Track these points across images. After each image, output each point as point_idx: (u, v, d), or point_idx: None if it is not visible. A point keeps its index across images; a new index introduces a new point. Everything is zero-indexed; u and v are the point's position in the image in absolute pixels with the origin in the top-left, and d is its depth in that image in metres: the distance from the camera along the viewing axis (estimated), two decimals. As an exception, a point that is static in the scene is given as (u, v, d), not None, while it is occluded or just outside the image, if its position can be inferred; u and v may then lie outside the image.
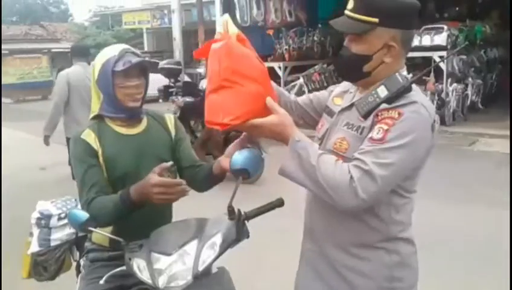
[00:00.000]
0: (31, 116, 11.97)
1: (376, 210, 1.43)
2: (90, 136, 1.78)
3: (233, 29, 1.49)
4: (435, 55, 9.57)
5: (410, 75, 1.66)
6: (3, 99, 18.50)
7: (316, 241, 1.60)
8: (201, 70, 11.31)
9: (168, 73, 9.53)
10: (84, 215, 1.66)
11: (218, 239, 1.55)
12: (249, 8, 12.07)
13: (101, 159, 1.76)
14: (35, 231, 2.25)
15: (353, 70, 1.47)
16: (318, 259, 1.59)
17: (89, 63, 4.88)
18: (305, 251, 1.67)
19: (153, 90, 7.96)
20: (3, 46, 20.12)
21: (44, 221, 2.22)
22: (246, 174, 1.54)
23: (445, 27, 9.93)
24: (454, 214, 4.93)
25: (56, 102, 5.11)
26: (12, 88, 18.66)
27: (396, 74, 1.37)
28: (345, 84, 1.64)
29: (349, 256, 1.50)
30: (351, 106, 1.49)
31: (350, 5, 1.44)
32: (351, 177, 1.28)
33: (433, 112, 1.40)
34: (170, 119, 1.99)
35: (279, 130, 1.40)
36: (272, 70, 11.96)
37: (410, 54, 9.51)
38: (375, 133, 1.33)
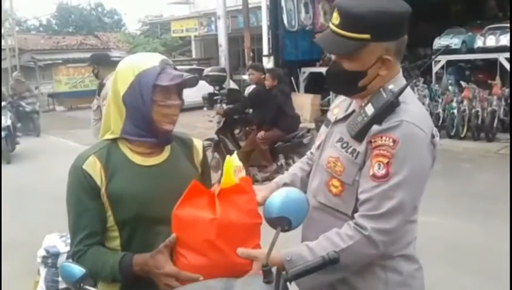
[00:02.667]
0: (85, 124, 12.17)
1: None
2: (94, 167, 1.41)
3: (237, 165, 1.39)
4: (501, 57, 8.78)
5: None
6: (56, 108, 19.13)
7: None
8: (246, 76, 10.99)
9: (213, 80, 9.28)
10: (79, 270, 1.31)
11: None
12: (296, 11, 11.74)
13: (104, 196, 1.40)
14: (42, 271, 1.93)
15: (347, 86, 1.41)
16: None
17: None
18: None
19: (197, 98, 7.74)
20: (58, 56, 20.85)
21: (51, 260, 1.92)
22: (287, 224, 1.13)
23: (512, 26, 9.08)
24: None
25: None
26: (65, 96, 19.23)
27: (381, 88, 1.33)
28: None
29: None
30: (344, 118, 1.44)
31: (336, 20, 1.34)
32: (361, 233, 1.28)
33: (429, 127, 1.33)
34: (198, 146, 1.62)
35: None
36: (320, 76, 11.51)
37: (473, 56, 8.96)
38: (377, 169, 1.29)
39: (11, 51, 18.71)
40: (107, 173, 1.41)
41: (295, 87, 11.91)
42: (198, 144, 1.61)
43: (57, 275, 1.90)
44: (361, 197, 1.32)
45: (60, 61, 20.44)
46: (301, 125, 6.58)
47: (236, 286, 1.24)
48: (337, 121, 1.49)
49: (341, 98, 1.58)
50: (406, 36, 1.37)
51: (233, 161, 1.38)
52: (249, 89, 9.97)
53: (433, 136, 1.34)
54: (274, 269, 1.19)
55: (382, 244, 1.30)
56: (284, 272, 1.22)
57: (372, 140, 1.31)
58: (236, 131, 6.80)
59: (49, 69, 20.09)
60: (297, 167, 1.69)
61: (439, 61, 9.59)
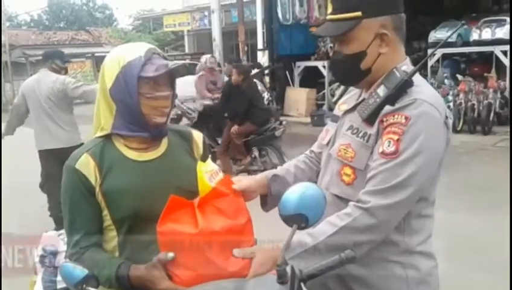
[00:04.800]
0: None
1: None
2: (87, 166, 1.35)
3: (211, 169, 1.34)
4: (497, 50, 8.76)
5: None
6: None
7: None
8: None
9: (208, 74, 9.24)
10: (81, 271, 1.24)
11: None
12: (291, 5, 11.66)
13: (99, 195, 1.35)
14: (39, 271, 1.86)
15: (351, 72, 1.39)
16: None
17: (54, 70, 4.37)
18: None
19: (191, 92, 7.69)
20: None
21: (48, 259, 1.84)
22: (303, 222, 1.08)
23: (507, 19, 9.07)
24: None
25: (11, 108, 4.80)
26: (57, 92, 19.00)
27: (394, 69, 1.30)
28: (350, 90, 1.54)
29: (360, 269, 1.34)
30: (355, 107, 1.39)
31: (330, 9, 1.39)
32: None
33: (443, 108, 1.30)
34: (198, 139, 1.56)
35: (271, 262, 1.22)
36: (315, 70, 11.46)
37: (469, 49, 8.91)
38: (386, 146, 1.25)
39: (2, 47, 18.42)
40: (101, 170, 1.35)
41: (290, 81, 11.85)
42: (197, 136, 1.55)
43: (55, 275, 1.83)
44: (369, 175, 1.28)
45: (52, 56, 20.24)
46: (296, 119, 6.66)
47: (249, 286, 1.18)
48: (347, 112, 1.45)
49: (349, 94, 1.55)
50: (404, 14, 1.37)
51: (205, 166, 1.33)
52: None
53: (446, 117, 1.30)
54: (288, 269, 1.13)
55: (380, 220, 1.24)
56: (298, 272, 1.15)
57: (384, 119, 1.28)
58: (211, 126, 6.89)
59: (40, 64, 19.87)
60: (292, 163, 1.62)
61: (434, 54, 9.57)
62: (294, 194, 1.16)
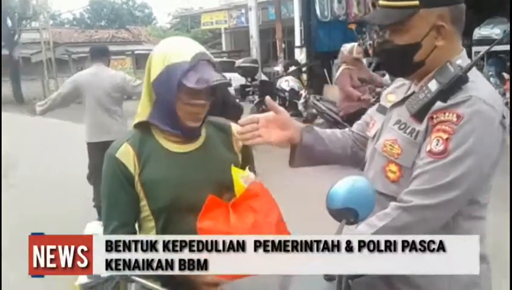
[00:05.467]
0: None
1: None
2: (127, 155, 1.38)
3: (245, 175, 1.40)
4: None
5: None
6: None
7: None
8: (278, 68, 10.89)
9: (245, 72, 9.28)
10: (126, 260, 1.22)
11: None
12: (329, 1, 11.50)
13: (138, 185, 1.37)
14: (84, 260, 1.88)
15: (402, 63, 1.31)
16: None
17: (108, 64, 4.57)
18: None
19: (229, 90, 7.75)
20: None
21: (92, 249, 1.84)
22: (352, 216, 1.05)
23: None
24: None
25: (56, 95, 4.68)
26: (98, 89, 19.52)
27: (448, 63, 1.22)
28: (399, 79, 1.46)
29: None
30: (403, 100, 1.32)
31: None
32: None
33: (500, 106, 1.21)
34: (237, 130, 1.54)
35: None
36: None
37: None
38: (435, 145, 1.18)
39: (46, 44, 19.06)
40: (140, 160, 1.37)
41: (328, 79, 11.71)
42: (236, 128, 1.53)
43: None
44: (414, 173, 1.22)
45: (93, 54, 20.81)
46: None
47: (294, 282, 1.14)
48: (395, 105, 1.39)
49: (396, 83, 1.48)
50: (463, 5, 1.29)
51: (241, 172, 1.38)
52: (281, 81, 9.88)
53: (503, 117, 1.22)
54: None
55: (420, 219, 1.18)
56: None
57: (434, 116, 1.21)
58: None
59: (83, 62, 20.43)
60: (328, 130, 1.56)
61: (478, 52, 9.23)
62: (343, 187, 1.11)
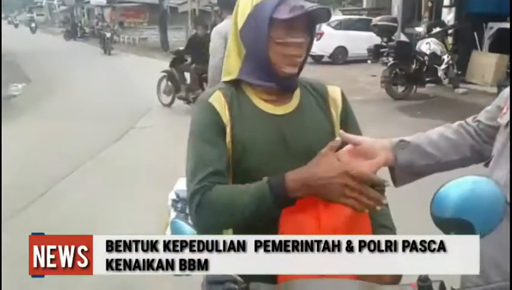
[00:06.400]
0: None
1: None
2: (220, 102, 1.24)
3: None
4: None
5: None
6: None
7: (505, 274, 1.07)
8: (420, 29, 9.94)
9: (382, 30, 8.68)
10: (191, 232, 1.12)
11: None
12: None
13: (228, 138, 1.22)
14: (172, 214, 1.85)
15: None
16: None
17: None
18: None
19: (362, 50, 7.26)
20: None
21: (181, 204, 1.82)
22: (467, 230, 0.84)
23: None
24: None
25: (215, 63, 4.23)
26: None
27: None
28: None
29: None
30: None
31: None
32: None
33: None
34: (335, 95, 1.33)
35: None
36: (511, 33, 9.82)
37: None
38: None
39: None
40: (231, 112, 1.23)
41: (477, 44, 10.40)
42: (334, 92, 1.33)
43: (186, 221, 1.80)
44: None
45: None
46: (480, 88, 5.77)
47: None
48: None
49: None
50: None
51: None
52: (421, 43, 9.02)
53: None
54: (436, 287, 0.84)
55: None
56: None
57: None
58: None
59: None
60: (436, 129, 1.25)
61: None
62: (456, 191, 0.86)
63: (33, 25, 33.34)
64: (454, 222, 0.84)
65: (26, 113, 8.22)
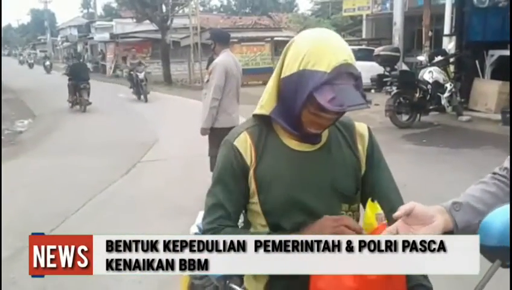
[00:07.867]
0: (253, 99, 12.88)
1: None
2: (245, 145, 1.29)
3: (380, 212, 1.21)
4: None
5: None
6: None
7: None
8: (422, 58, 10.06)
9: (384, 60, 8.78)
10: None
11: None
12: (489, -15, 10.23)
13: (252, 179, 1.27)
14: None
15: None
16: None
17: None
18: None
19: (365, 79, 7.35)
20: (234, 35, 22.12)
21: (202, 238, 1.77)
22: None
23: None
24: None
25: (214, 92, 4.41)
26: (238, 73, 20.36)
27: None
28: None
29: None
30: None
31: None
32: None
33: None
34: (363, 131, 1.37)
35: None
36: (512, 60, 9.92)
37: None
38: None
39: (194, 30, 20.35)
40: (257, 152, 1.28)
41: (479, 71, 10.51)
42: (362, 128, 1.37)
43: (208, 256, 1.78)
44: None
45: (236, 40, 21.63)
46: (483, 115, 5.74)
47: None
48: None
49: None
50: None
51: (377, 208, 1.22)
52: (424, 72, 9.12)
53: None
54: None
55: None
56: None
57: None
58: None
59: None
60: (475, 187, 1.23)
61: None
62: (501, 218, 0.86)
63: (47, 63, 30.57)
64: (499, 250, 0.84)
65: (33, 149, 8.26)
